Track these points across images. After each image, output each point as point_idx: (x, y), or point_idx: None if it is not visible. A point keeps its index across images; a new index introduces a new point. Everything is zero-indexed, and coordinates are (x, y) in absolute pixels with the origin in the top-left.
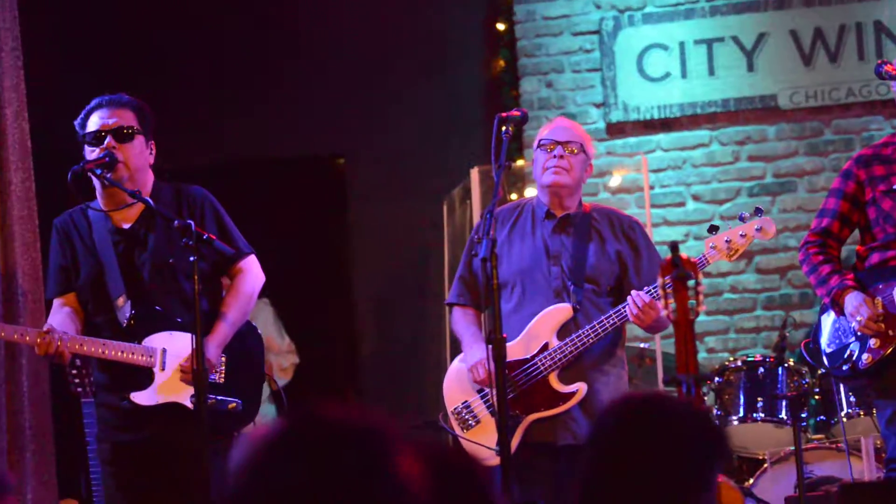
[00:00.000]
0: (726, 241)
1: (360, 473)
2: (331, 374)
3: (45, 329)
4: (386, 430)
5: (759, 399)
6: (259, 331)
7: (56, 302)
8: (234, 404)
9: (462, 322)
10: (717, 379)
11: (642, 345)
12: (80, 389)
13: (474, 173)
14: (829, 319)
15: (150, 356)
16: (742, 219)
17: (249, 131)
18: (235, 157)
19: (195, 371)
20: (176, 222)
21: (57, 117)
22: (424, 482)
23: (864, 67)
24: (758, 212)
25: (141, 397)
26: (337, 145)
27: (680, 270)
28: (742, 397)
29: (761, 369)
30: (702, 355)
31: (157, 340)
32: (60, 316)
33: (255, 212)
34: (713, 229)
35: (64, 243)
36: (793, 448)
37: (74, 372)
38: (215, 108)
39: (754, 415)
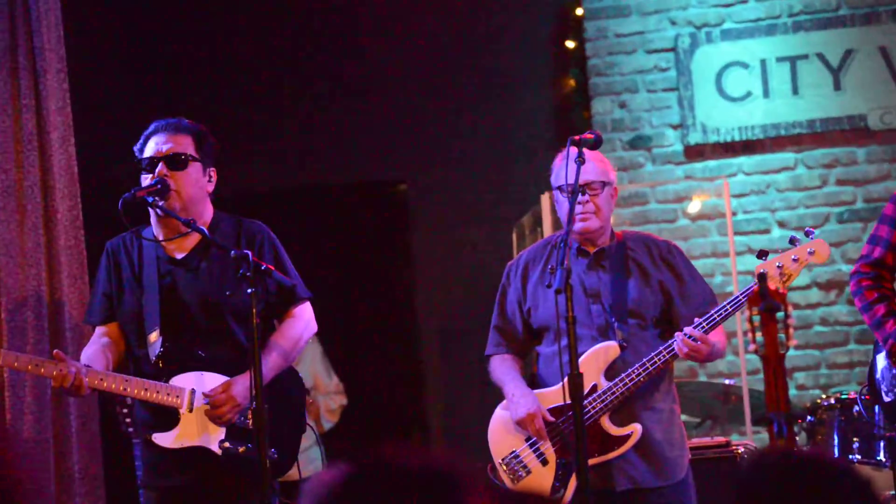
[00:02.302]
0: (778, 266)
1: None
2: (393, 414)
3: (59, 359)
4: (455, 472)
5: (854, 439)
6: (303, 378)
7: (97, 330)
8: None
9: (501, 368)
10: (808, 418)
11: (727, 381)
12: (131, 430)
13: (545, 199)
14: (882, 360)
15: (177, 396)
16: (793, 242)
17: (308, 156)
18: (293, 183)
19: (255, 410)
20: (233, 252)
21: (103, 140)
22: None
23: None
24: (808, 234)
25: (162, 438)
26: (398, 170)
27: (768, 302)
28: (836, 438)
29: (856, 407)
30: (791, 392)
31: (186, 380)
32: (94, 347)
33: (309, 240)
34: (762, 255)
35: (111, 269)
36: (893, 492)
37: (125, 411)
38: (274, 132)
39: (850, 456)
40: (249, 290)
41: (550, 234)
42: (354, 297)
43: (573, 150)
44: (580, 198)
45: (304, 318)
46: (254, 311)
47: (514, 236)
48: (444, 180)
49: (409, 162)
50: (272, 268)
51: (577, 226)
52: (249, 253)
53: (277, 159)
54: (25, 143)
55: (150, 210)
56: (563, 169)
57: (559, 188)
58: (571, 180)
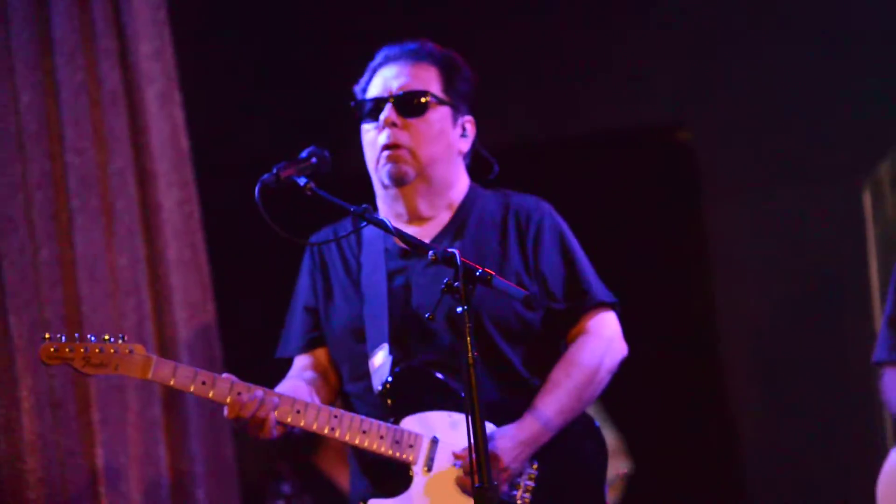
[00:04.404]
0: None
1: None
2: (698, 480)
3: (233, 381)
4: None
5: None
6: (602, 431)
7: (296, 363)
8: None
9: None
10: None
11: None
12: None
13: None
14: None
15: (410, 445)
16: None
17: (551, 101)
18: (530, 137)
19: (478, 491)
20: (431, 252)
21: (231, 96)
22: None
23: None
24: None
25: None
26: (679, 111)
27: None
28: None
29: None
30: None
31: (426, 423)
32: (289, 384)
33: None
34: None
35: (316, 271)
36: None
37: (285, 492)
38: (517, 70)
39: None
40: (460, 310)
41: None
42: (622, 301)
43: None
44: None
45: (604, 335)
46: (468, 339)
47: (868, 197)
48: (746, 120)
49: (692, 100)
50: (493, 273)
51: None
52: (456, 252)
53: (509, 109)
54: (106, 106)
55: (377, 185)
56: None
57: None
58: None
